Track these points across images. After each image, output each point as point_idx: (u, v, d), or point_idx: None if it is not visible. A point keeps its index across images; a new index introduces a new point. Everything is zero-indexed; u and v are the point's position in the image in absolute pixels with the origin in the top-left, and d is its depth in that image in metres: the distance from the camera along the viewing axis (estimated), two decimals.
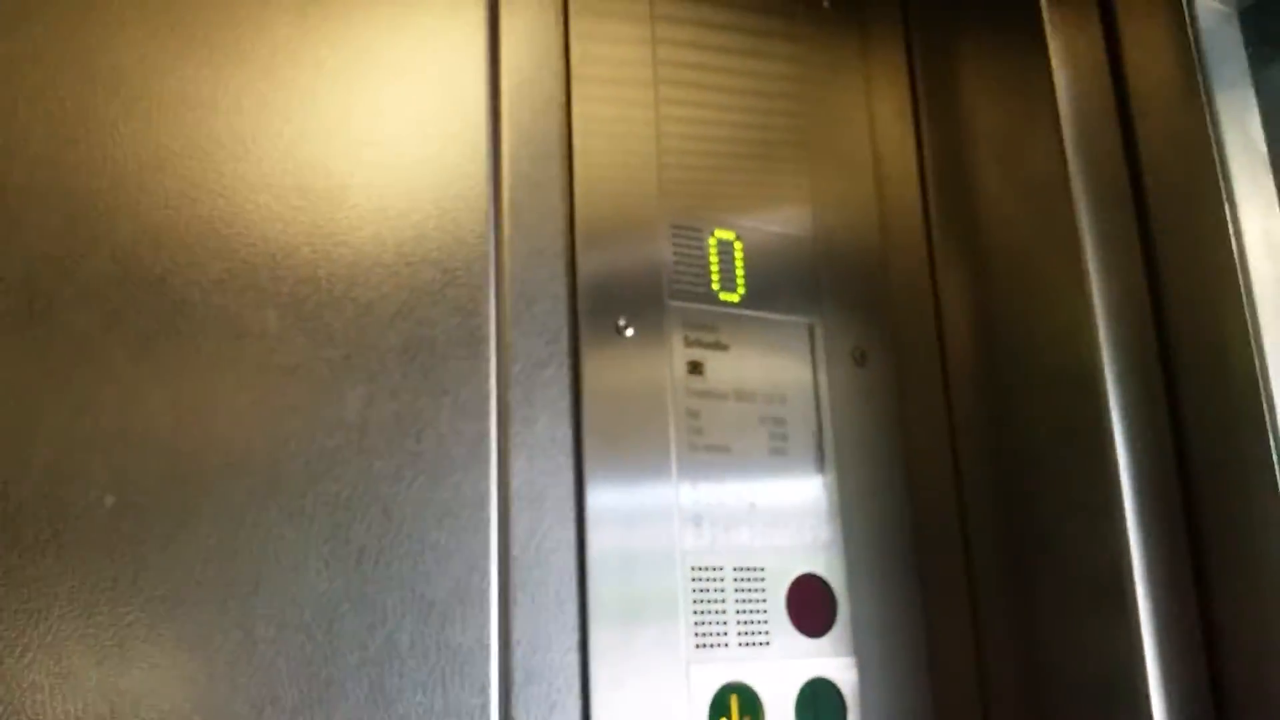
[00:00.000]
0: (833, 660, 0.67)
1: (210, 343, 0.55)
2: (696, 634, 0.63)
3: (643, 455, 0.65)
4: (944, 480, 0.78)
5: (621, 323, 0.66)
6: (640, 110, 0.71)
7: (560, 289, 0.66)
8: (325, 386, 0.57)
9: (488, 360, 0.62)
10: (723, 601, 0.65)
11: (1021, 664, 0.72)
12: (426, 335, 0.60)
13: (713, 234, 0.72)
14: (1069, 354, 0.72)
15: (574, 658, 0.59)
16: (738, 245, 0.72)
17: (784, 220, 0.75)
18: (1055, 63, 0.76)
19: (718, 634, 0.64)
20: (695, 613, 0.64)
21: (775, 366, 0.71)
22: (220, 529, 0.52)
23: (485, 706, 0.56)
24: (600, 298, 0.66)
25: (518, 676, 0.58)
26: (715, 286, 0.71)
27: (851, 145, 0.81)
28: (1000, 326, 0.79)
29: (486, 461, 0.60)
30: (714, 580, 0.65)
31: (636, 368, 0.66)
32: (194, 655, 0.50)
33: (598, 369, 0.65)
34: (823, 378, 0.73)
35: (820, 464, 0.71)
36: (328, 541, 0.54)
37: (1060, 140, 0.74)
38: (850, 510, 0.71)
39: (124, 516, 0.50)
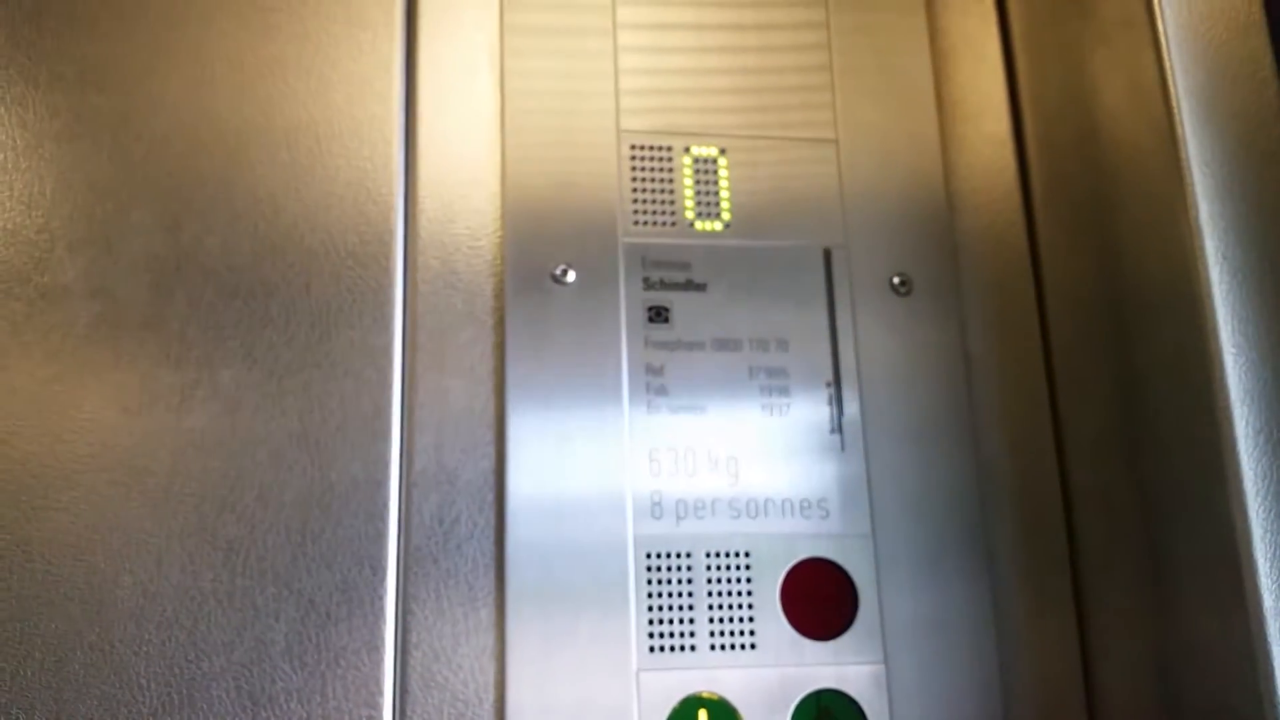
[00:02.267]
0: (851, 668, 0.53)
1: (64, 320, 0.52)
2: (651, 634, 0.52)
3: (584, 424, 0.54)
4: (1036, 440, 0.60)
5: (560, 269, 0.56)
6: (592, 13, 0.60)
7: (482, 235, 0.57)
8: (194, 365, 0.52)
9: (390, 323, 0.54)
10: (689, 595, 0.53)
11: (1142, 673, 0.54)
12: (318, 301, 0.54)
13: (687, 151, 0.59)
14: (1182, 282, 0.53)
15: (488, 663, 0.51)
16: (722, 162, 0.59)
17: (795, 123, 0.61)
18: None
19: (681, 634, 0.53)
20: (651, 609, 0.53)
21: (772, 305, 0.58)
22: (78, 522, 0.49)
23: (375, 718, 0.49)
24: (532, 242, 0.56)
25: (415, 684, 0.50)
26: (690, 215, 0.58)
27: (896, 20, 0.64)
28: (1120, 239, 0.59)
29: (386, 439, 0.53)
30: (677, 569, 0.53)
31: (579, 320, 0.56)
32: (46, 654, 0.48)
33: (528, 326, 0.55)
34: (844, 313, 0.58)
35: (836, 423, 0.57)
36: (193, 534, 0.50)
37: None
38: (884, 478, 0.56)
39: None
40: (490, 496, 0.53)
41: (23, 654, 0.48)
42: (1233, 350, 0.50)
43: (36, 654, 0.48)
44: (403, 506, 0.52)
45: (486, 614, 0.52)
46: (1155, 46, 0.55)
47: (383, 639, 0.50)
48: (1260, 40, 0.54)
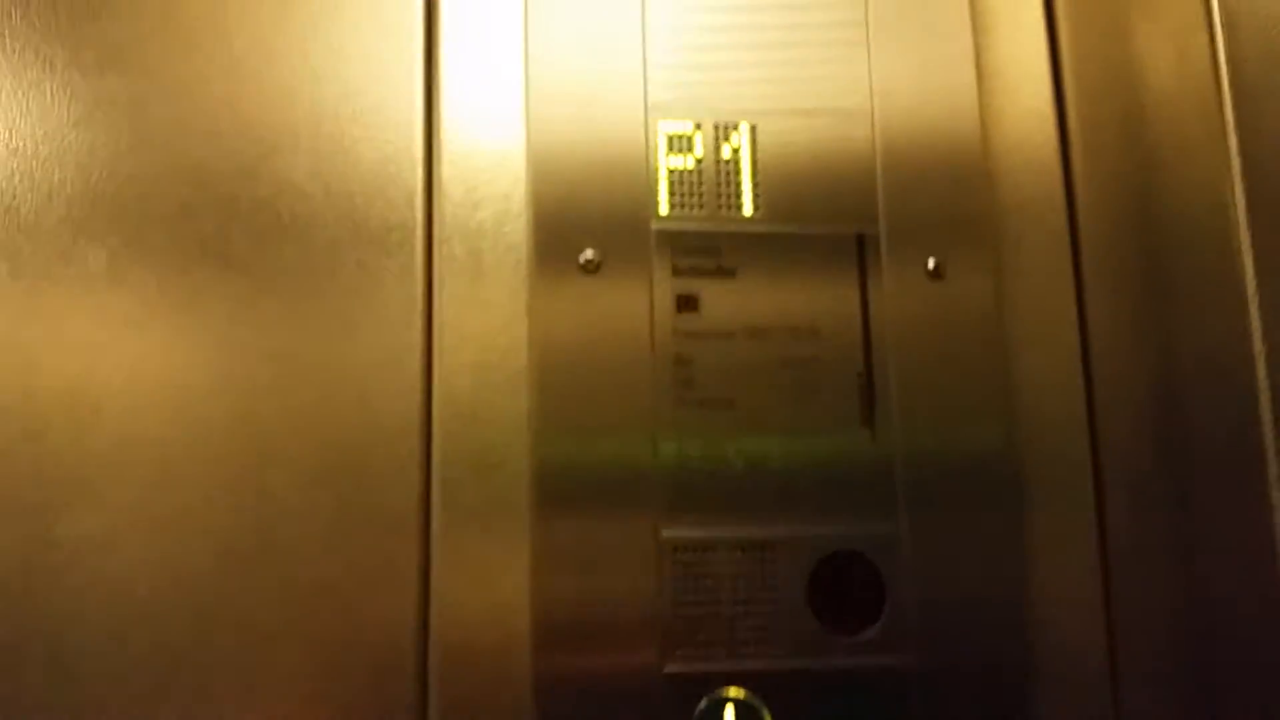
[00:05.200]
0: (876, 659, 0.53)
1: (90, 315, 0.52)
2: (678, 630, 0.52)
3: (611, 418, 0.54)
4: (1073, 431, 0.59)
5: (588, 255, 0.55)
6: None
7: (508, 220, 0.56)
8: (223, 357, 0.52)
9: (414, 311, 0.54)
10: (714, 589, 0.53)
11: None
12: (343, 288, 0.53)
13: (716, 129, 0.58)
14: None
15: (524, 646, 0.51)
16: (752, 146, 0.58)
17: (829, 95, 0.59)
18: None
19: (707, 630, 0.53)
20: (677, 604, 0.53)
21: (803, 292, 0.57)
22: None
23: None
24: (559, 227, 0.55)
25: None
26: (719, 198, 0.57)
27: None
28: (1165, 221, 0.58)
29: (411, 434, 0.52)
30: (701, 563, 0.53)
31: (606, 309, 0.55)
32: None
33: (553, 316, 0.54)
34: (876, 300, 0.57)
35: (868, 412, 0.56)
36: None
37: None
38: (916, 472, 0.55)
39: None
40: (523, 490, 0.53)
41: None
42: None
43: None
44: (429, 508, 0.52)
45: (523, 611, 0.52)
46: (1208, 23, 0.53)
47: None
48: None
